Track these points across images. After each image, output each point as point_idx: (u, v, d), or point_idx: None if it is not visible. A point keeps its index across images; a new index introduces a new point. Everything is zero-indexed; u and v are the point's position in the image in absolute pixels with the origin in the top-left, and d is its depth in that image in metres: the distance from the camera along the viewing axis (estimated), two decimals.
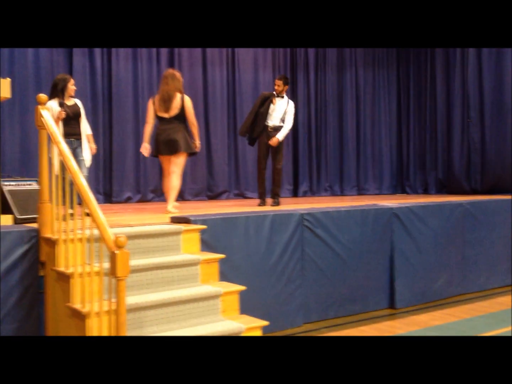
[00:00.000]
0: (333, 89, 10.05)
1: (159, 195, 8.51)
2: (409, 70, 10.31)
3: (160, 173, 8.51)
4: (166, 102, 5.47)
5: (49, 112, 4.85)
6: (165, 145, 5.46)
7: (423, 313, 5.60)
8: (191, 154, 5.72)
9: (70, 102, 5.33)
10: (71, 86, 5.31)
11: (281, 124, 6.48)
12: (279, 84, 6.54)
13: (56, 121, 4.97)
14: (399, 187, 10.43)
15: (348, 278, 5.40)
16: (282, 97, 6.56)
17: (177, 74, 5.65)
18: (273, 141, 6.36)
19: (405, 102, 10.41)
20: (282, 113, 6.51)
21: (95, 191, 7.67)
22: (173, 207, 5.52)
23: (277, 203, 6.45)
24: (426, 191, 9.93)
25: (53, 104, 5.12)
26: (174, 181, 5.50)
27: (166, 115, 5.49)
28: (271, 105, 6.48)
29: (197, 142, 5.67)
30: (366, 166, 10.25)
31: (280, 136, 6.42)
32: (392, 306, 5.73)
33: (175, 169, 5.50)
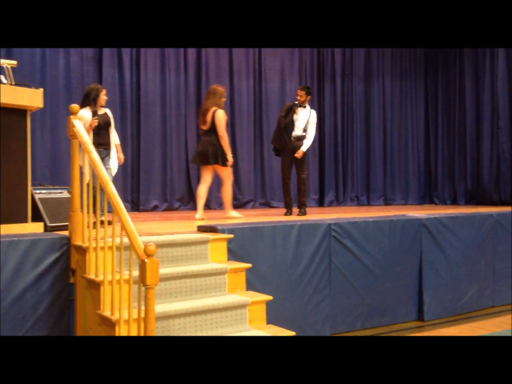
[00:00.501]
0: (360, 99, 10.02)
1: (186, 203, 8.58)
2: (437, 79, 10.22)
3: (187, 182, 8.61)
4: (203, 115, 5.97)
5: (81, 121, 4.97)
6: (198, 156, 6.01)
7: (452, 325, 5.50)
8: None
9: (101, 111, 5.41)
10: (103, 96, 5.40)
11: (304, 133, 6.51)
12: (301, 95, 6.58)
13: (88, 130, 5.05)
14: (427, 198, 10.32)
15: (376, 290, 5.34)
16: (305, 107, 6.58)
17: (219, 89, 6.01)
18: (298, 154, 6.39)
19: (433, 111, 10.31)
20: (304, 123, 6.53)
21: (123, 199, 7.76)
22: (231, 211, 6.11)
23: (303, 213, 6.43)
24: (454, 202, 9.80)
25: (85, 112, 5.20)
26: (222, 191, 6.15)
27: (204, 128, 5.98)
28: (294, 115, 6.51)
29: (228, 156, 5.87)
30: (393, 176, 10.17)
31: (304, 147, 6.46)
32: (421, 318, 5.65)
33: (222, 179, 6.06)
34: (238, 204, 8.98)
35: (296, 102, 6.59)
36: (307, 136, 6.51)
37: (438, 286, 5.76)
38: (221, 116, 5.86)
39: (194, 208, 8.58)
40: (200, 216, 5.95)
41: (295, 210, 6.62)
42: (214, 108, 5.88)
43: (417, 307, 5.66)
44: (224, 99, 6.05)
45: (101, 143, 5.30)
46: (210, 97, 5.98)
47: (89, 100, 5.32)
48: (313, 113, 6.63)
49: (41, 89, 4.29)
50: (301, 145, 6.44)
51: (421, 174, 10.36)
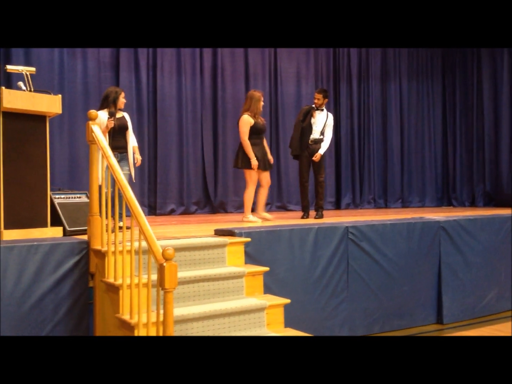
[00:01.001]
0: (376, 100, 9.98)
1: (202, 207, 8.62)
2: (455, 80, 10.14)
3: (203, 186, 8.64)
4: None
5: (99, 123, 4.98)
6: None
7: (471, 328, 5.44)
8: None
9: (118, 115, 5.42)
10: (122, 99, 5.39)
11: (321, 137, 6.53)
12: (318, 98, 6.58)
13: (104, 131, 5.05)
14: (445, 200, 10.22)
15: (394, 293, 5.31)
16: (322, 110, 6.58)
17: (254, 94, 6.09)
18: (316, 157, 6.41)
19: (450, 113, 10.23)
20: (322, 126, 6.54)
21: (140, 203, 7.78)
22: (249, 215, 6.11)
23: (320, 216, 6.42)
24: (473, 204, 9.70)
25: (102, 114, 5.21)
26: (243, 193, 6.22)
27: None
28: (312, 119, 6.53)
29: (252, 160, 5.95)
30: (411, 178, 10.11)
31: (322, 150, 6.49)
32: (440, 321, 5.60)
33: (245, 182, 6.15)
34: (255, 208, 8.97)
35: (313, 106, 6.59)
36: (324, 139, 6.53)
37: (457, 289, 5.70)
38: (241, 122, 5.99)
39: (211, 211, 8.65)
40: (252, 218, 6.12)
41: (312, 213, 6.60)
42: (241, 114, 6.07)
43: (436, 310, 5.62)
44: (260, 103, 6.08)
45: (117, 147, 5.29)
46: (246, 102, 6.11)
47: (108, 102, 5.32)
48: (330, 116, 6.63)
49: (60, 95, 4.34)
50: (318, 148, 6.46)
51: (439, 176, 10.27)
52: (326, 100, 6.67)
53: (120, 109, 5.46)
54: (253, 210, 6.37)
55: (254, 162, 5.93)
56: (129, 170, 5.44)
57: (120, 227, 3.45)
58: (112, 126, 5.19)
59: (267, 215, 6.33)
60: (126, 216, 3.41)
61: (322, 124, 6.53)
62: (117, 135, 5.31)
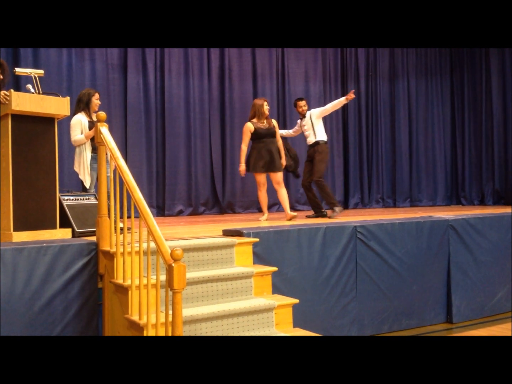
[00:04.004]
0: (384, 100, 9.95)
1: (210, 208, 8.64)
2: (463, 78, 10.08)
3: (211, 187, 8.66)
4: None
5: (80, 125, 4.93)
6: None
7: (481, 328, 5.41)
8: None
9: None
10: (96, 101, 5.33)
11: (315, 138, 6.61)
12: (302, 105, 6.71)
13: (90, 134, 4.98)
14: (454, 198, 10.17)
15: (403, 292, 5.29)
16: (305, 116, 6.71)
17: (254, 102, 6.34)
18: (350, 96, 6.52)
19: (459, 111, 10.17)
20: (310, 128, 6.65)
21: (148, 204, 7.82)
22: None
23: (336, 212, 6.43)
24: (482, 202, 9.64)
25: (82, 118, 5.18)
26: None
27: None
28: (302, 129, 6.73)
29: (240, 165, 6.28)
30: (420, 177, 10.07)
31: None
32: (449, 320, 5.57)
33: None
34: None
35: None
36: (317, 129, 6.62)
37: (467, 288, 5.67)
38: (243, 129, 6.25)
39: (219, 212, 8.66)
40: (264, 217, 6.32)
41: (329, 212, 6.64)
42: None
43: (446, 310, 5.59)
44: (264, 108, 6.19)
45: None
46: (251, 110, 6.33)
47: (82, 104, 5.29)
48: (313, 112, 6.71)
49: (68, 98, 4.36)
50: (316, 150, 6.56)
51: (447, 174, 10.22)
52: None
53: (96, 111, 5.44)
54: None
55: (240, 168, 6.25)
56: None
57: (129, 228, 3.47)
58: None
59: (291, 213, 6.33)
60: (135, 217, 3.42)
61: (310, 126, 6.63)
62: None
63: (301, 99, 6.81)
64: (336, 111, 9.64)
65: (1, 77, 4.43)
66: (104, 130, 3.79)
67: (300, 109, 6.71)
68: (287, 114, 9.28)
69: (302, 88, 9.40)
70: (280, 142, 6.35)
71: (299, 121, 6.89)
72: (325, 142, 6.62)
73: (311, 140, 6.62)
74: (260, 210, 8.91)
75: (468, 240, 5.70)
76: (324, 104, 9.12)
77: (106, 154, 3.84)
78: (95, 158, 4.97)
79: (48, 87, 5.12)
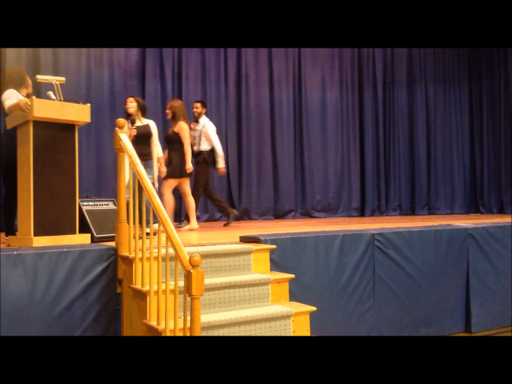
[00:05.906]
0: (402, 106, 9.91)
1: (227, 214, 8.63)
2: (482, 85, 10.00)
3: (227, 193, 8.67)
4: None
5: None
6: None
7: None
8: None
9: (142, 122, 5.47)
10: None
11: (202, 148, 6.64)
12: (197, 107, 6.73)
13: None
14: (473, 206, 10.07)
15: (422, 301, 5.24)
16: (198, 121, 6.70)
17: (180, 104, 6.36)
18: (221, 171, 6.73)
19: (478, 118, 10.08)
20: (198, 137, 6.63)
21: None
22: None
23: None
24: (501, 211, 9.53)
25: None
26: None
27: None
28: (191, 132, 6.58)
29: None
30: (438, 184, 9.98)
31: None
32: (468, 330, 5.51)
33: None
34: (279, 214, 8.99)
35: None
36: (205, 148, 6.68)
37: (486, 297, 5.61)
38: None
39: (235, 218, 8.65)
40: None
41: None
42: None
43: (465, 319, 5.53)
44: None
45: (139, 154, 5.32)
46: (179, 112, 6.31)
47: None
48: (207, 124, 6.72)
49: (88, 105, 4.41)
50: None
51: (466, 182, 10.13)
52: (205, 109, 6.85)
53: (144, 117, 5.48)
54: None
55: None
56: (153, 178, 5.47)
57: (147, 234, 3.49)
58: (135, 134, 5.25)
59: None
60: (154, 223, 3.44)
61: (198, 135, 6.65)
62: (140, 143, 5.34)
63: (198, 101, 6.85)
64: (353, 117, 9.64)
65: (31, 90, 4.44)
66: (124, 137, 3.83)
67: (194, 109, 6.76)
68: (303, 120, 9.27)
69: (318, 94, 9.40)
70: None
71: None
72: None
73: (195, 148, 6.64)
74: (276, 217, 8.92)
75: (487, 249, 5.64)
76: (341, 111, 9.17)
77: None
78: None
79: (66, 93, 5.18)
